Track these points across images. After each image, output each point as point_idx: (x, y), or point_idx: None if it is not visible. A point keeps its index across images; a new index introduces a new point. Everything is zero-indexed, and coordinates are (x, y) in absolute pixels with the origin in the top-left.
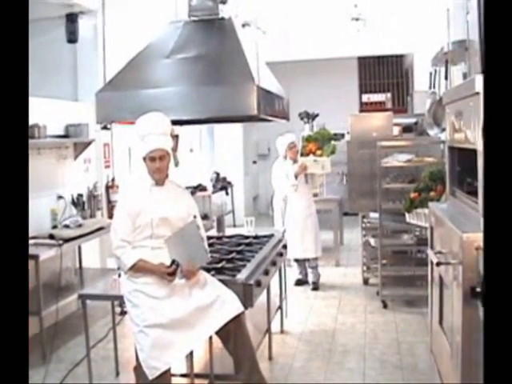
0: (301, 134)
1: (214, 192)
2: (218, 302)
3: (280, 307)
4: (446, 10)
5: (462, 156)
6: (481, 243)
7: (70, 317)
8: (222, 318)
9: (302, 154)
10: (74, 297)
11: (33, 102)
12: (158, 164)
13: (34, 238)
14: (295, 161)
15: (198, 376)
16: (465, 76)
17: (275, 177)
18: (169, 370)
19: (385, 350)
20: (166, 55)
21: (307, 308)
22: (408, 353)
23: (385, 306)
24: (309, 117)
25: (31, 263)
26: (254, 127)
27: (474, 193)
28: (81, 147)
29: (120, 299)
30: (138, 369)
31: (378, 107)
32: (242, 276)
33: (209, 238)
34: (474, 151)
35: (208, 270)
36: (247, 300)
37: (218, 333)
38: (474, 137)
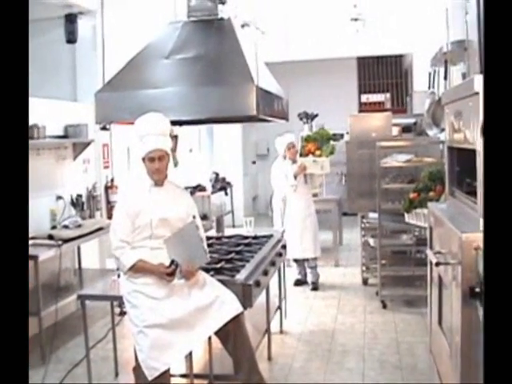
0: (300, 135)
1: (213, 192)
2: (217, 302)
3: (279, 307)
4: (445, 10)
5: (462, 156)
6: (480, 243)
7: (70, 317)
8: (222, 319)
9: (301, 155)
10: (74, 297)
11: (32, 102)
12: (157, 164)
13: (33, 238)
14: (294, 161)
15: (197, 376)
16: (464, 76)
17: (274, 177)
18: (168, 370)
19: (384, 350)
20: (165, 55)
21: (306, 308)
22: (407, 353)
23: (384, 306)
24: (308, 117)
25: (30, 264)
26: (253, 127)
27: (473, 193)
28: (80, 148)
29: (119, 300)
30: (137, 369)
31: (377, 107)
32: (241, 276)
33: (208, 238)
34: (473, 151)
35: (207, 271)
36: (246, 300)
37: (217, 333)
38: (473, 137)
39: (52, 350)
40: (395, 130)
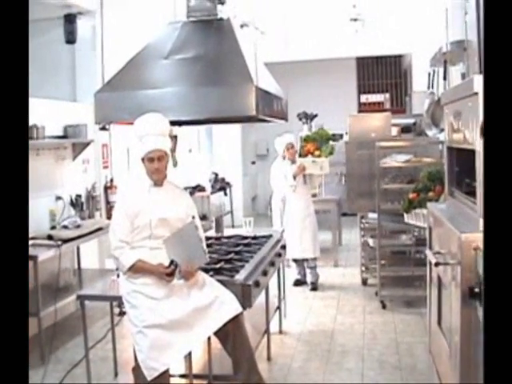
0: (299, 135)
1: (212, 192)
2: (216, 302)
3: (279, 307)
4: (445, 10)
5: (461, 156)
6: (479, 243)
7: (69, 317)
8: (221, 319)
9: (300, 155)
10: (73, 297)
11: (31, 102)
12: (157, 165)
13: (32, 238)
14: (293, 161)
15: (196, 376)
16: (463, 76)
17: (274, 177)
18: (167, 370)
19: (383, 350)
20: (165, 56)
21: (306, 308)
22: (407, 353)
23: (383, 307)
24: (307, 117)
25: (30, 264)
26: (252, 128)
27: (472, 193)
28: (79, 148)
29: (119, 300)
30: (136, 369)
31: (377, 108)
32: (240, 276)
33: (207, 238)
34: (473, 151)
35: (206, 271)
36: (246, 300)
37: (216, 333)
38: (472, 137)
39: (51, 350)
40: (394, 131)
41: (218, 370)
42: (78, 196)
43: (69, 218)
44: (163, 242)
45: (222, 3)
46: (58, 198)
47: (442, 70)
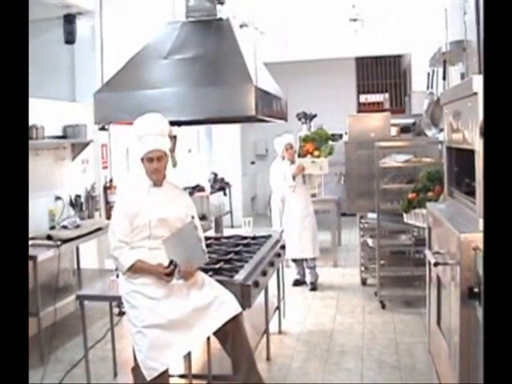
0: (298, 135)
1: (211, 193)
2: (215, 302)
3: (278, 308)
4: (444, 10)
5: (460, 156)
6: (478, 243)
7: (68, 318)
8: (220, 319)
9: (299, 155)
10: (72, 298)
11: (31, 102)
12: (156, 165)
13: (31, 238)
14: (293, 161)
15: (195, 377)
16: (462, 76)
17: (273, 177)
18: (167, 370)
19: (383, 350)
20: (164, 56)
21: (305, 308)
22: (406, 353)
23: (383, 307)
24: (306, 117)
25: (29, 264)
26: (251, 128)
27: (471, 193)
28: (79, 148)
29: (118, 300)
30: (135, 369)
31: (376, 108)
32: (239, 277)
33: (207, 238)
34: (472, 151)
35: (206, 271)
36: (245, 301)
37: (215, 333)
38: (471, 137)
39: (51, 350)
40: (394, 131)
41: (218, 370)
42: (78, 196)
43: (68, 218)
44: (162, 242)
45: (222, 3)
46: (58, 198)
47: (441, 69)
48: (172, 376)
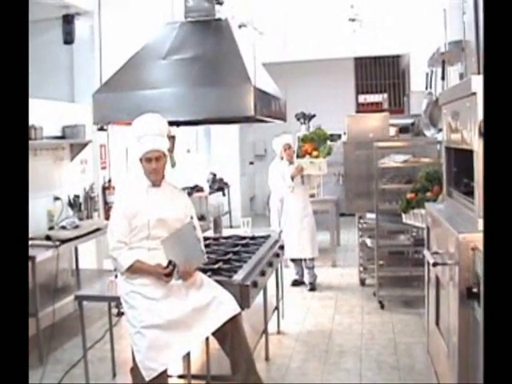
0: (296, 135)
1: (210, 193)
2: (214, 302)
3: (277, 308)
4: (443, 10)
5: (459, 156)
6: (477, 244)
7: (67, 318)
8: (219, 319)
9: (298, 155)
10: (71, 298)
11: (30, 103)
12: (154, 165)
13: (30, 239)
14: (291, 162)
15: (194, 377)
16: (461, 76)
17: (272, 177)
18: (165, 371)
19: (382, 350)
20: (163, 56)
21: (304, 309)
22: (405, 353)
23: (382, 307)
24: (305, 117)
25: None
26: (250, 128)
27: (470, 193)
28: (77, 148)
29: (117, 300)
30: (134, 370)
31: (375, 108)
32: (238, 277)
33: (205, 238)
34: (471, 152)
35: (205, 271)
36: (244, 301)
37: (214, 334)
38: (470, 137)
39: (49, 350)
40: (392, 131)
41: (216, 371)
42: (76, 196)
43: (67, 218)
44: (161, 243)
45: (220, 3)
46: (56, 198)
47: (440, 70)
48: (171, 376)
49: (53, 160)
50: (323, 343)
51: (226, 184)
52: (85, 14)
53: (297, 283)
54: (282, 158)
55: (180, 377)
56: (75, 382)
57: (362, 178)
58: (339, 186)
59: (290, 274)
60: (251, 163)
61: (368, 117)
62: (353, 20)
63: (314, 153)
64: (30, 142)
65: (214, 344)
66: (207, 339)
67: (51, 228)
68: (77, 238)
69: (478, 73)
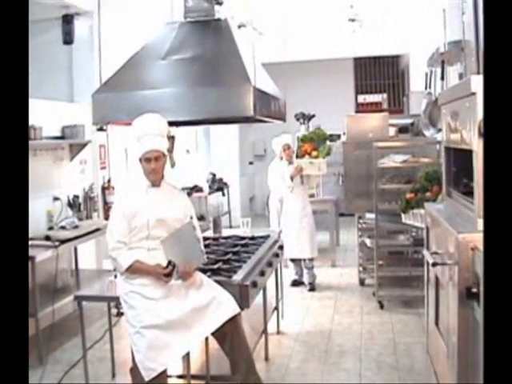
0: (296, 135)
1: (210, 193)
2: (214, 303)
3: (276, 308)
4: (442, 10)
5: (458, 156)
6: (476, 244)
7: (67, 318)
8: (219, 319)
9: (297, 155)
10: (70, 298)
11: (29, 103)
12: (154, 165)
13: (30, 239)
14: (291, 162)
15: (194, 377)
16: (461, 76)
17: (271, 178)
18: (165, 371)
19: (381, 350)
20: (162, 56)
21: (303, 309)
22: (404, 353)
23: (381, 307)
24: (305, 118)
25: None
26: (250, 128)
27: (469, 193)
28: (77, 148)
29: (116, 300)
30: (134, 370)
31: (374, 108)
32: (238, 277)
33: (205, 238)
34: (470, 152)
35: (204, 271)
36: (243, 301)
37: (214, 334)
38: (469, 137)
39: (49, 351)
40: (392, 131)
41: (216, 371)
42: (76, 197)
43: (66, 218)
44: (161, 243)
45: (220, 4)
46: (56, 198)
47: (439, 70)
48: (170, 376)
49: (52, 160)
50: (323, 343)
51: (226, 184)
52: (84, 14)
53: (296, 283)
54: (281, 158)
55: (179, 377)
56: (75, 382)
57: (361, 178)
58: (339, 186)
59: (289, 274)
60: (251, 163)
61: (367, 117)
62: (352, 20)
63: (314, 153)
64: (30, 142)
65: (214, 344)
66: (207, 339)
67: (51, 228)
68: (76, 238)
69: (478, 73)
